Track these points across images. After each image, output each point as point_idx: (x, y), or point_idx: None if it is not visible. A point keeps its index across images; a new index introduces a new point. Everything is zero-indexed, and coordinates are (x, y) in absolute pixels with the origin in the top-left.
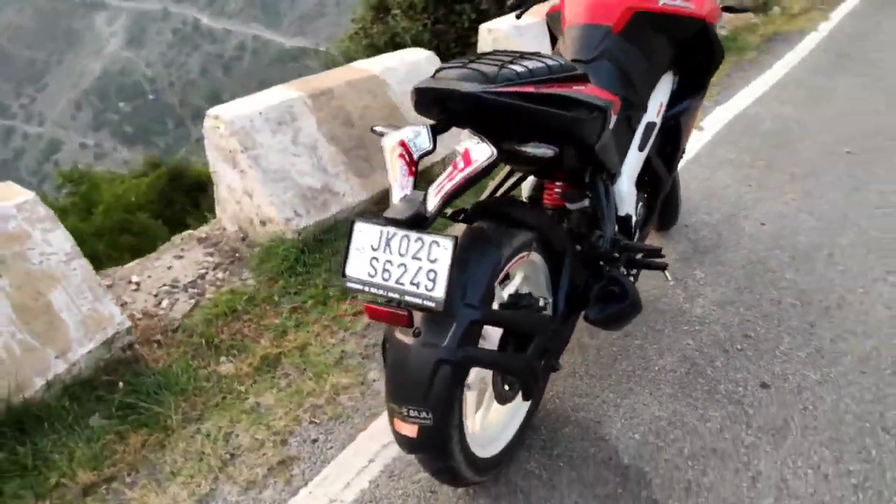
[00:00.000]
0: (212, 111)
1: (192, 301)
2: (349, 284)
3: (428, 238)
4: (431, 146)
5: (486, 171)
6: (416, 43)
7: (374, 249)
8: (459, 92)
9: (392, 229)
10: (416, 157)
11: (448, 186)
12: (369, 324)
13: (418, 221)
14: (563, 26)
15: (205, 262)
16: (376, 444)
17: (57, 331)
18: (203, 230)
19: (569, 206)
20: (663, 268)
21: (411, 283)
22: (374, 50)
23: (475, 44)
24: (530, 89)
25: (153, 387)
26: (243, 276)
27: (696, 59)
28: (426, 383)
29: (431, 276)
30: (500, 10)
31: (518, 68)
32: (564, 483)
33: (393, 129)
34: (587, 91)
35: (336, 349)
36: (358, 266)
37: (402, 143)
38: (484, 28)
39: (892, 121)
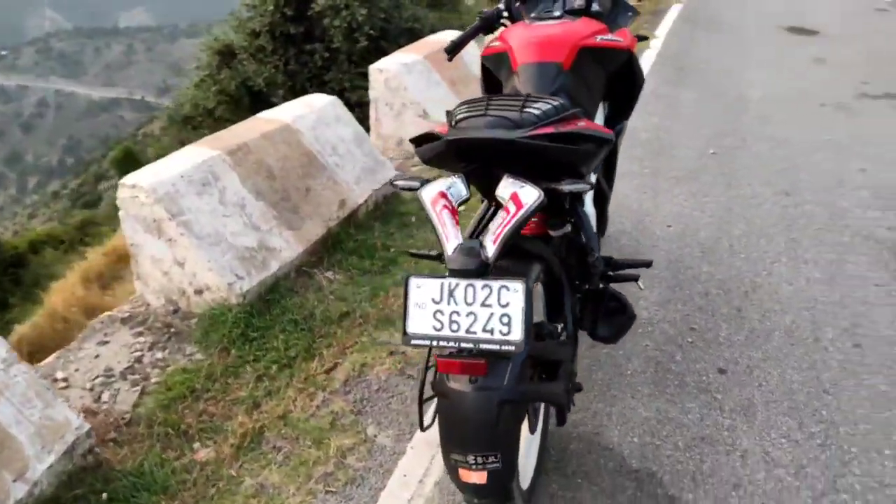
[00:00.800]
0: (127, 180)
1: (137, 388)
2: (414, 342)
3: (496, 284)
4: (468, 194)
5: (535, 212)
6: (270, 85)
7: (436, 303)
8: (500, 140)
9: (454, 280)
10: (455, 205)
11: (505, 232)
12: (347, 379)
13: (483, 269)
14: (514, 66)
15: (136, 343)
16: (401, 500)
17: (10, 449)
18: (124, 309)
19: (553, 233)
20: (636, 279)
21: (484, 331)
22: (224, 96)
23: (329, 82)
24: (551, 130)
25: (130, 490)
26: (187, 351)
27: (622, 86)
28: (492, 427)
29: (505, 320)
30: (352, 48)
31: (535, 111)
32: (588, 498)
33: (416, 181)
34: (588, 126)
35: (323, 411)
36: (420, 322)
37: (443, 195)
38: (374, 69)
39: (736, 124)
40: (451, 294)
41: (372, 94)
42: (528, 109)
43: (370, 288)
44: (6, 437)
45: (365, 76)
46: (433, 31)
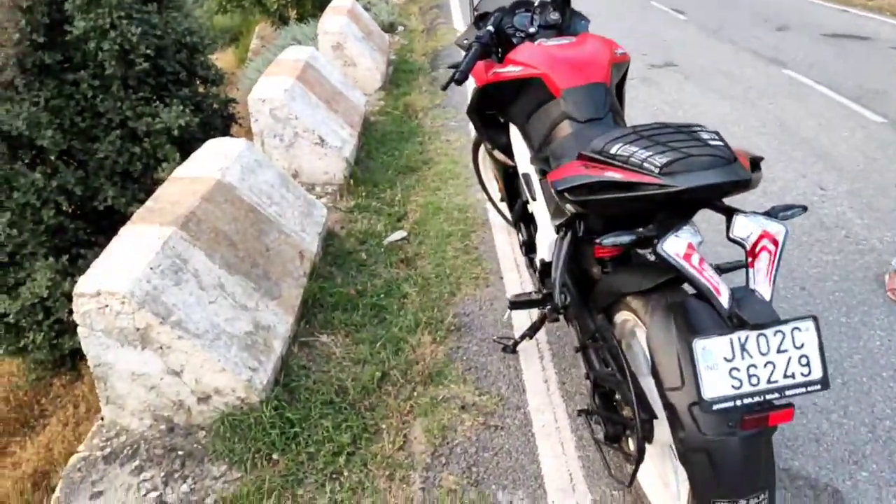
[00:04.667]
0: (85, 288)
1: None
2: (716, 407)
3: (787, 327)
4: (701, 237)
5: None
6: (34, 127)
7: (728, 361)
8: (739, 181)
9: (744, 333)
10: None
11: (773, 272)
12: (434, 450)
13: (771, 317)
14: (555, 92)
15: (142, 483)
16: None
17: None
18: (96, 444)
19: None
20: None
21: (785, 377)
22: None
23: (104, 114)
24: (746, 158)
25: None
26: (215, 473)
27: (619, 93)
28: (763, 463)
29: (804, 360)
30: (128, 73)
31: (720, 142)
32: None
33: (629, 234)
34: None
35: (438, 493)
36: (717, 385)
37: (692, 246)
38: (255, 99)
39: None
40: (743, 348)
41: (255, 126)
42: (713, 142)
43: (388, 343)
44: None
45: (148, 101)
46: (213, 39)
